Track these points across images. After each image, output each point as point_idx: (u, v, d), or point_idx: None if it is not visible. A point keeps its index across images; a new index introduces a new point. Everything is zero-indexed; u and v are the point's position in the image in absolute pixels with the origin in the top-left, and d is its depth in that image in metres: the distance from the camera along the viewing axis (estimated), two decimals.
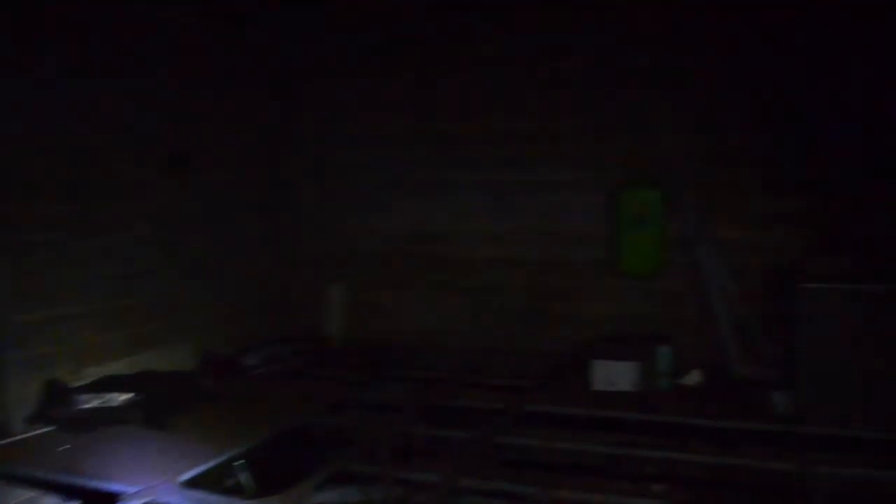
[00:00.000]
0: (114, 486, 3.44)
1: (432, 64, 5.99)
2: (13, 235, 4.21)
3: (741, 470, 3.92)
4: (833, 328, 4.41)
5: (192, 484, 3.54)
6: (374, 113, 6.14)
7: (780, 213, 5.33)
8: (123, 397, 4.38)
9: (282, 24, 6.18)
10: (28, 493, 3.55)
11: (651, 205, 5.47)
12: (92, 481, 3.52)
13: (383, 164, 6.13)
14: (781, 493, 3.71)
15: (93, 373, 4.60)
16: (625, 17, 5.54)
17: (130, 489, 3.41)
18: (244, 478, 3.77)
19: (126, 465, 3.69)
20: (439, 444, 4.33)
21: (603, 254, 5.66)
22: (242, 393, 5.02)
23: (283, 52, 6.25)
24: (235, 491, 3.72)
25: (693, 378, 5.11)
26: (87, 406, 4.28)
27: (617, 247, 5.58)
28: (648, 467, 4.08)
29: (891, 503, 3.69)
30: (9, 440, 4.06)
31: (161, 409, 4.38)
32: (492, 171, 5.91)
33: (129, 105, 4.87)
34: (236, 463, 3.80)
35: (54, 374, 4.38)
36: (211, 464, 3.72)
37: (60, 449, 3.92)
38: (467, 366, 5.52)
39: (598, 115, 5.65)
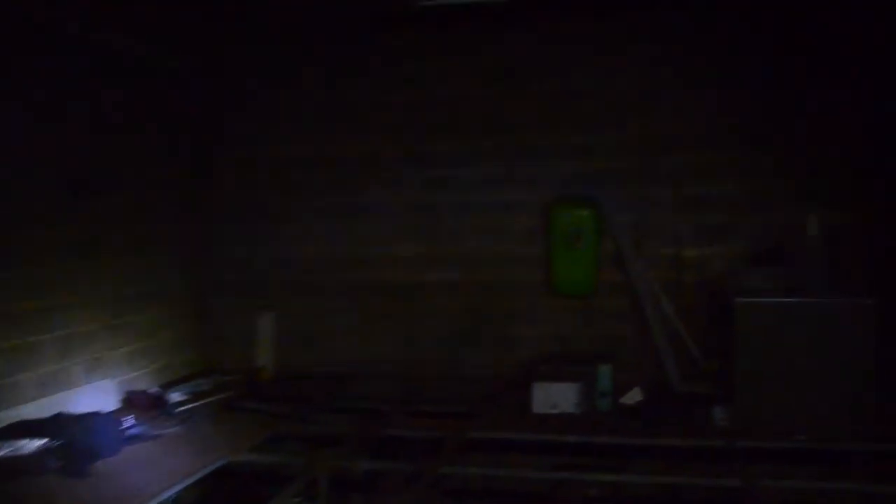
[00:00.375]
0: None
1: (351, 85, 5.88)
2: None
3: (686, 488, 3.88)
4: (769, 341, 4.44)
5: None
6: (299, 137, 5.98)
7: (710, 228, 5.39)
8: (37, 444, 4.07)
9: (203, 54, 5.98)
10: None
11: (584, 224, 5.43)
12: None
13: (310, 188, 5.97)
14: None
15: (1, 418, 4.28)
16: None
17: None
18: None
19: None
20: (381, 478, 4.18)
21: (540, 275, 5.61)
22: (169, 431, 4.76)
23: (203, 80, 6.05)
24: None
25: (633, 397, 5.07)
26: None
27: (552, 267, 5.53)
28: (593, 490, 4.01)
29: None
30: None
31: (80, 455, 4.07)
32: (425, 193, 5.82)
33: (42, 131, 4.59)
34: None
35: None
36: None
37: None
38: (405, 394, 5.38)
39: (531, 136, 5.62)
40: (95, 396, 4.90)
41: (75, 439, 4.14)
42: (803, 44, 5.23)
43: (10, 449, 3.97)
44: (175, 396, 5.24)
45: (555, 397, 4.90)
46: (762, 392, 4.45)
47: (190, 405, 5.18)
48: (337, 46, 5.85)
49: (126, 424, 4.56)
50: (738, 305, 4.50)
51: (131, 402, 5.09)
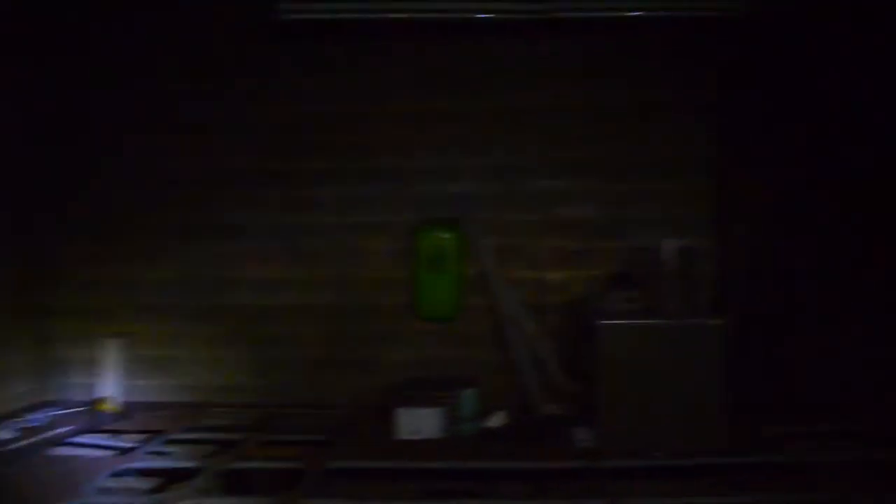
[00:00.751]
0: None
1: (213, 99, 5.63)
2: None
3: None
4: (628, 362, 4.53)
5: None
6: (150, 155, 5.65)
7: (572, 252, 5.49)
8: None
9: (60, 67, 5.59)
10: None
11: (448, 246, 5.40)
12: None
13: (164, 205, 5.65)
14: None
15: None
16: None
17: None
18: None
19: None
20: None
21: (404, 298, 5.52)
22: None
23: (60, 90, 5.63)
24: None
25: (498, 420, 5.06)
26: None
27: (416, 290, 5.46)
28: None
29: None
30: None
31: None
32: (288, 214, 5.62)
33: None
34: None
35: None
36: None
37: None
38: (262, 423, 5.13)
39: (395, 158, 5.56)
40: None
41: None
42: (634, 73, 5.45)
43: None
44: (4, 433, 4.78)
45: (419, 423, 4.81)
46: (622, 412, 4.52)
47: (22, 443, 4.74)
48: (197, 58, 5.59)
49: None
50: (598, 327, 4.57)
51: None
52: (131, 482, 4.25)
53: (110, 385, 5.58)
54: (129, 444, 4.71)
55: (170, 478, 4.26)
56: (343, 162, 5.58)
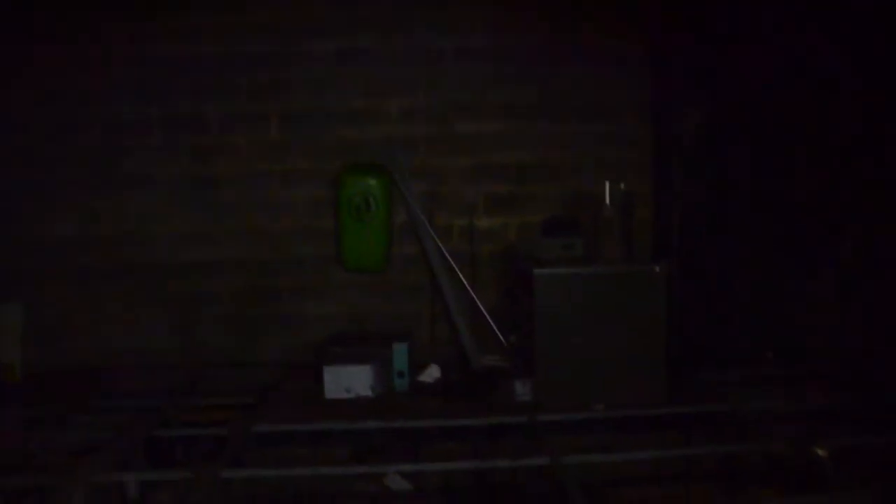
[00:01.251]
0: None
1: (103, 38, 5.13)
2: None
3: (493, 471, 3.69)
4: (566, 312, 4.35)
5: None
6: (43, 97, 5.13)
7: (504, 197, 5.29)
8: None
9: None
10: None
11: (374, 193, 5.09)
12: None
13: (61, 157, 5.16)
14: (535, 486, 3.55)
15: None
16: None
17: None
18: None
19: None
20: (153, 489, 3.64)
21: (330, 249, 5.21)
22: None
23: None
24: None
25: (431, 374, 4.84)
26: None
27: (341, 241, 5.15)
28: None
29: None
30: None
31: None
32: (197, 163, 5.21)
33: None
34: None
35: None
36: None
37: None
38: (181, 387, 4.80)
39: (315, 99, 5.19)
40: None
41: None
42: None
43: None
44: None
45: (348, 381, 4.55)
46: (561, 364, 4.35)
47: None
48: None
49: None
50: (533, 276, 4.37)
51: None
52: (36, 461, 3.90)
53: (11, 352, 5.16)
54: (38, 416, 4.33)
55: (78, 452, 3.92)
56: (258, 105, 5.18)
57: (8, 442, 3.97)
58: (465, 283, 5.11)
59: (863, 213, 4.17)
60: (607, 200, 4.58)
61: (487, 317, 5.04)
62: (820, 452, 3.41)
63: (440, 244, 5.12)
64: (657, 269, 4.37)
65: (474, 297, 5.08)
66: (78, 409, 4.43)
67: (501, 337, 4.99)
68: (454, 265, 5.12)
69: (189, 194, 5.22)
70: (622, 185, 4.62)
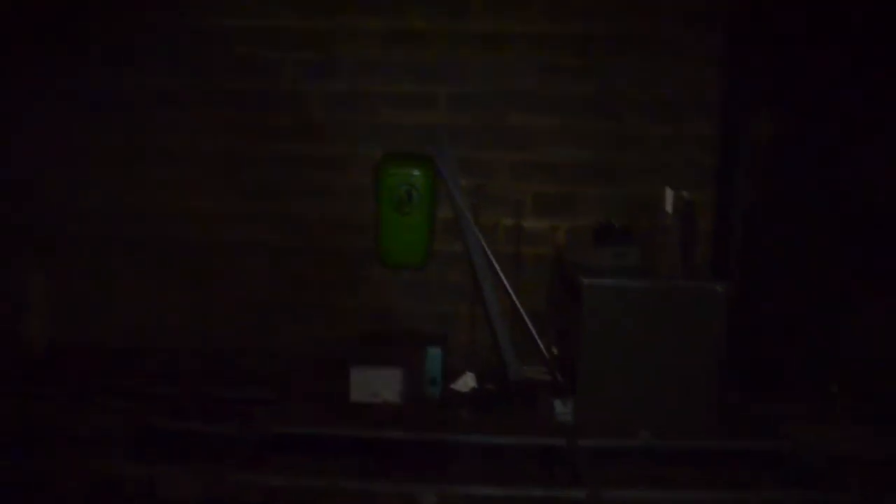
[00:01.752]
0: None
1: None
2: None
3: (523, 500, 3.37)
4: (615, 327, 4.02)
5: None
6: (78, 67, 4.91)
7: (556, 198, 4.94)
8: None
9: None
10: None
11: (417, 185, 4.77)
12: None
13: (91, 130, 4.94)
14: None
15: None
16: None
17: None
18: None
19: None
20: (156, 487, 3.39)
21: (368, 241, 4.91)
22: None
23: None
24: None
25: (466, 383, 4.55)
26: None
27: (380, 233, 4.85)
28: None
29: None
30: None
31: None
32: (229, 140, 4.95)
33: None
34: None
35: None
36: None
37: None
38: (203, 373, 4.60)
39: (361, 80, 4.89)
40: None
41: None
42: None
43: None
44: None
45: (375, 384, 4.28)
46: (606, 382, 4.04)
47: None
48: None
49: None
50: (584, 286, 4.03)
51: None
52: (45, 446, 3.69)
53: (36, 327, 4.99)
54: (55, 396, 4.15)
55: (85, 442, 3.71)
56: (299, 84, 4.90)
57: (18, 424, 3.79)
58: (508, 286, 4.77)
59: None
60: (667, 208, 4.23)
61: (530, 325, 4.70)
62: None
63: (484, 243, 4.79)
64: (719, 288, 4.02)
65: (517, 302, 4.74)
66: (92, 392, 4.27)
67: (543, 348, 4.66)
68: (497, 267, 4.79)
69: (224, 172, 4.98)
70: (685, 194, 4.27)
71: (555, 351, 4.61)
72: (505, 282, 4.77)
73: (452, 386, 4.52)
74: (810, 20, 4.57)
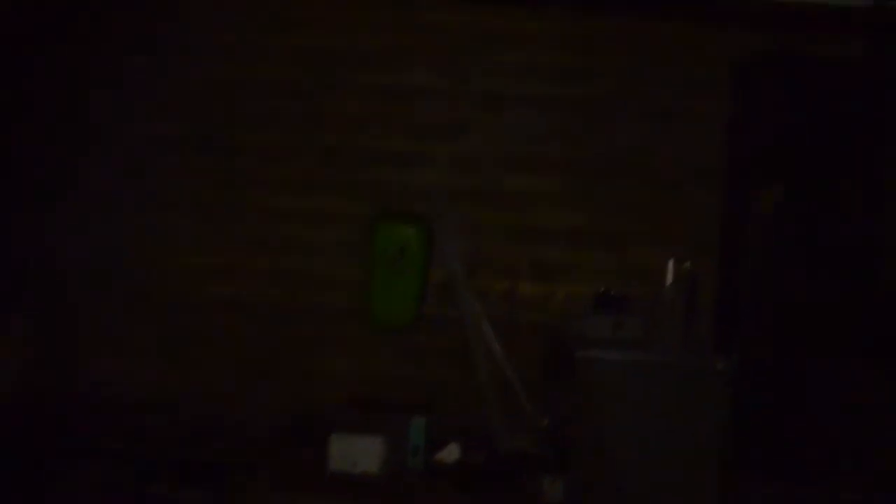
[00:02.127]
0: None
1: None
2: None
3: None
4: (612, 402, 3.82)
5: None
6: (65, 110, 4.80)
7: (553, 263, 4.77)
8: None
9: None
10: None
11: (410, 244, 4.61)
12: None
13: (76, 172, 4.79)
14: None
15: None
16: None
17: None
18: None
19: None
20: None
21: (354, 301, 4.73)
22: None
23: None
24: None
25: (451, 453, 4.31)
26: None
27: (369, 292, 4.67)
28: None
29: None
30: None
31: None
32: (220, 191, 4.79)
33: None
34: None
35: None
36: None
37: None
38: (171, 436, 4.36)
39: (355, 136, 4.78)
40: None
41: None
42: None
43: None
44: None
45: (356, 452, 4.05)
46: (599, 461, 3.81)
47: None
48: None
49: None
50: (579, 358, 3.84)
51: None
52: None
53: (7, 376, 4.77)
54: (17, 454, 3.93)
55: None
56: (292, 136, 4.77)
57: None
58: (500, 352, 4.58)
59: None
60: (668, 279, 4.07)
61: (521, 394, 4.50)
62: None
63: (477, 308, 4.60)
64: (719, 365, 3.83)
65: (509, 370, 4.54)
66: (60, 452, 4.05)
67: (535, 419, 4.43)
68: (490, 332, 4.60)
69: (205, 224, 4.81)
70: (686, 264, 4.10)
71: (546, 422, 4.39)
72: (497, 348, 4.58)
73: (437, 456, 4.28)
74: (810, 89, 4.47)
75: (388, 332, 4.78)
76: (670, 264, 4.02)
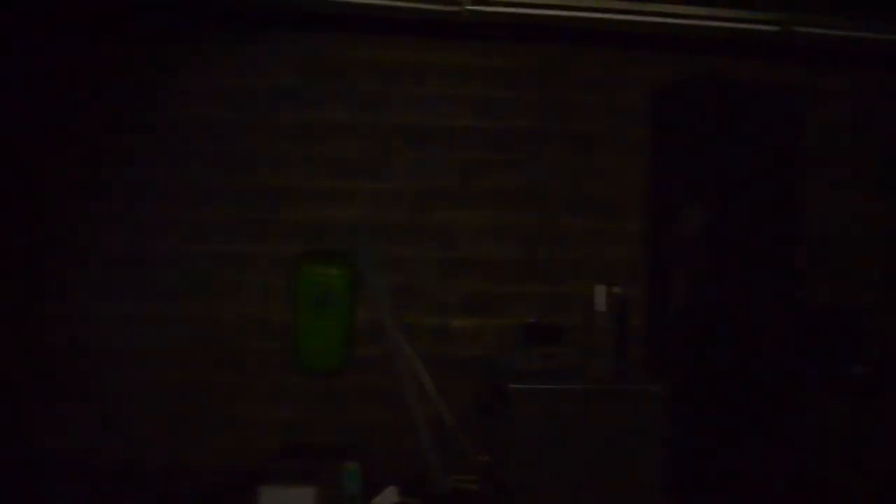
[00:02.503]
0: None
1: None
2: None
3: None
4: (547, 433, 3.76)
5: None
6: None
7: (483, 296, 4.72)
8: None
9: None
10: None
11: (334, 284, 4.48)
12: None
13: None
14: None
15: None
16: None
17: None
18: None
19: None
20: None
21: (280, 344, 4.58)
22: None
23: None
24: None
25: (388, 498, 4.17)
26: None
27: (295, 335, 4.52)
28: None
29: None
30: None
31: None
32: (140, 239, 4.60)
33: None
34: None
35: None
36: None
37: None
38: (95, 490, 4.12)
39: (277, 174, 4.66)
40: None
41: None
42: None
43: None
44: None
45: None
46: (541, 493, 3.72)
47: None
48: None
49: None
50: (511, 392, 3.76)
51: None
52: None
53: None
54: None
55: None
56: (210, 178, 4.63)
57: None
58: (432, 391, 4.47)
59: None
60: (598, 306, 4.04)
61: (457, 432, 4.39)
62: None
63: (406, 346, 4.50)
64: (653, 388, 3.80)
65: (442, 407, 4.44)
66: None
67: (472, 456, 4.33)
68: (422, 370, 4.49)
69: (125, 274, 4.60)
70: (616, 289, 4.08)
71: (484, 458, 4.28)
72: (429, 386, 4.47)
73: (373, 502, 4.13)
74: (724, 112, 4.55)
75: (317, 375, 4.62)
76: (598, 290, 3.99)
